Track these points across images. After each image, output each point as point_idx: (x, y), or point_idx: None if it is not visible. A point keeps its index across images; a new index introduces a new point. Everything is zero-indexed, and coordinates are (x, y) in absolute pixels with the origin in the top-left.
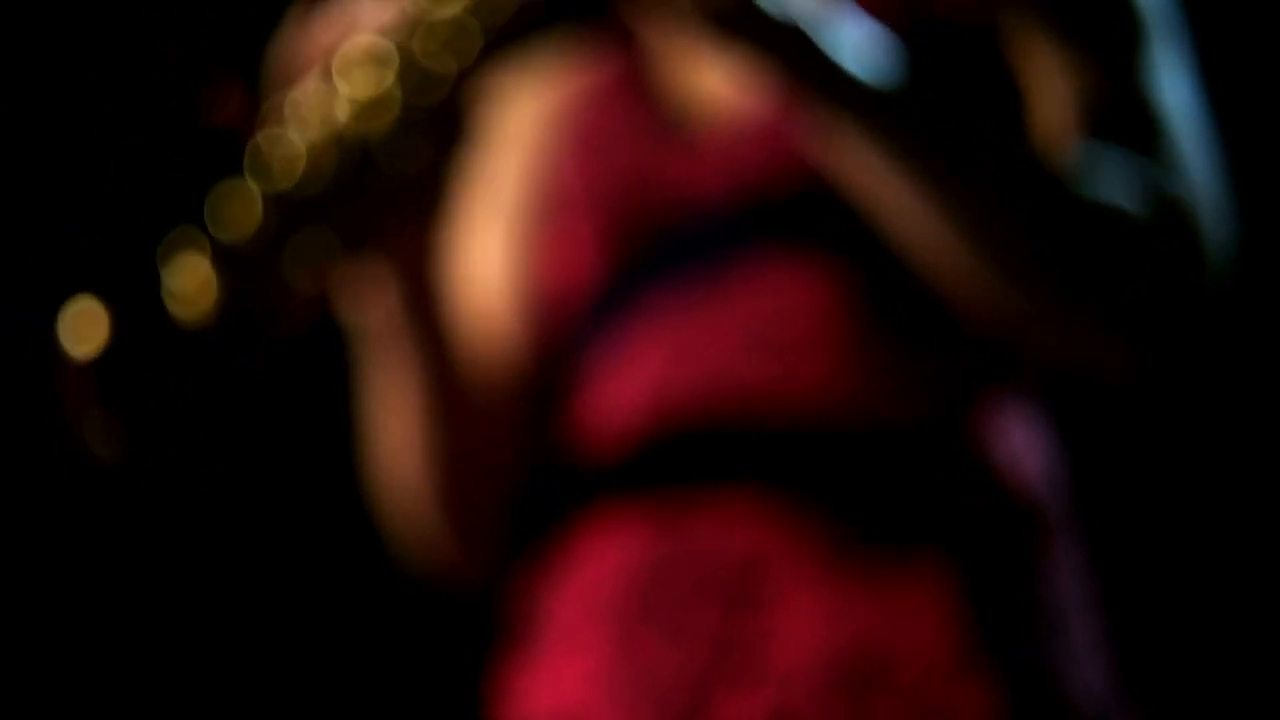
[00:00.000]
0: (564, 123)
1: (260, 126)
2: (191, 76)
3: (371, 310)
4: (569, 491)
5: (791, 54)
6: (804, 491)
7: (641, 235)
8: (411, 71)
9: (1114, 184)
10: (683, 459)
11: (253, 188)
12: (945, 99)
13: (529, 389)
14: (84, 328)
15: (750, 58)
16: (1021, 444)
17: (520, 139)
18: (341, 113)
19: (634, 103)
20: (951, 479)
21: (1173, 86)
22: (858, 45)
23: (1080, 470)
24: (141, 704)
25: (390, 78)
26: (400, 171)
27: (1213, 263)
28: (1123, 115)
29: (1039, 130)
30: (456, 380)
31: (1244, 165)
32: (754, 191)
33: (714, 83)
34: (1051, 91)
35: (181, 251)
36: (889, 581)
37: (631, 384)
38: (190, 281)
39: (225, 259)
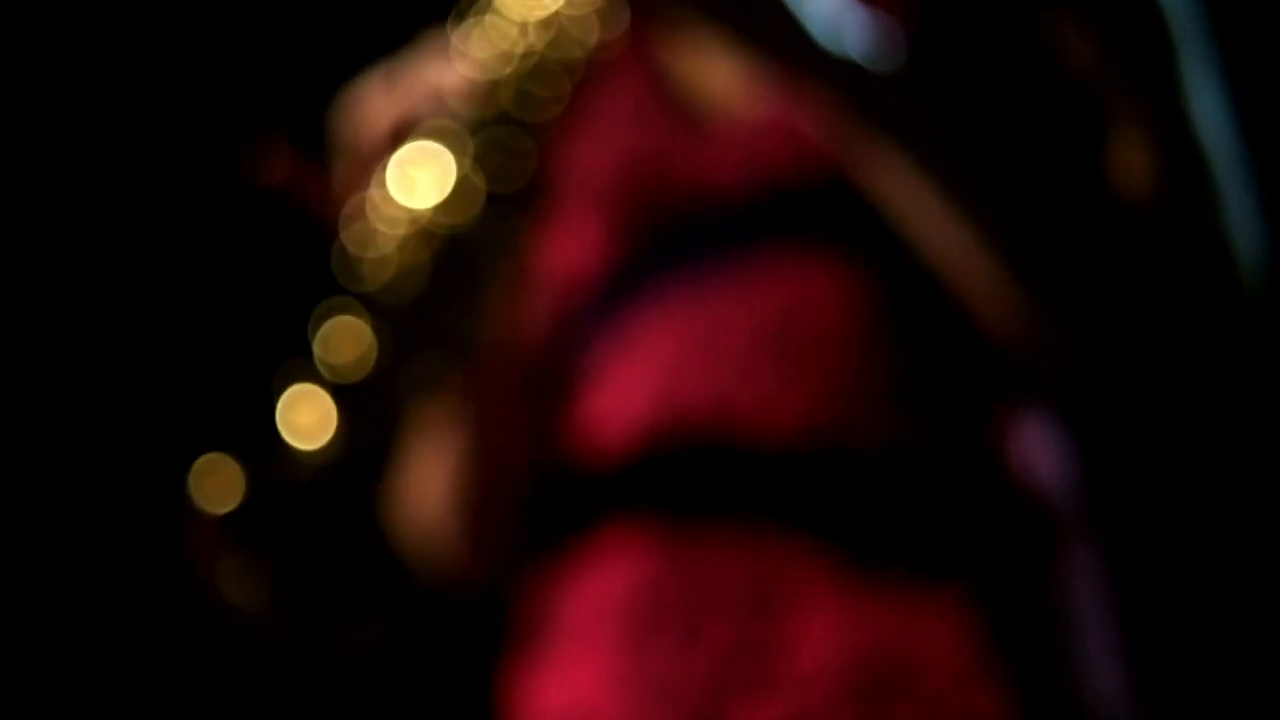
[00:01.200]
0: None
1: (341, 224)
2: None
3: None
4: (580, 489)
5: (801, 55)
6: (818, 499)
7: (654, 224)
8: (490, 155)
9: (1156, 209)
10: (695, 463)
11: (359, 316)
12: (968, 108)
13: (542, 386)
14: (215, 483)
15: (758, 57)
16: (1035, 449)
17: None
18: (424, 207)
19: (648, 88)
20: (966, 486)
21: (1207, 103)
22: (864, 39)
23: (1095, 476)
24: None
25: (468, 164)
26: (488, 259)
27: (1249, 284)
28: (1163, 138)
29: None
30: (494, 426)
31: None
32: (772, 184)
33: (731, 72)
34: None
35: (295, 384)
36: (906, 589)
37: (641, 376)
38: (308, 417)
39: (343, 393)
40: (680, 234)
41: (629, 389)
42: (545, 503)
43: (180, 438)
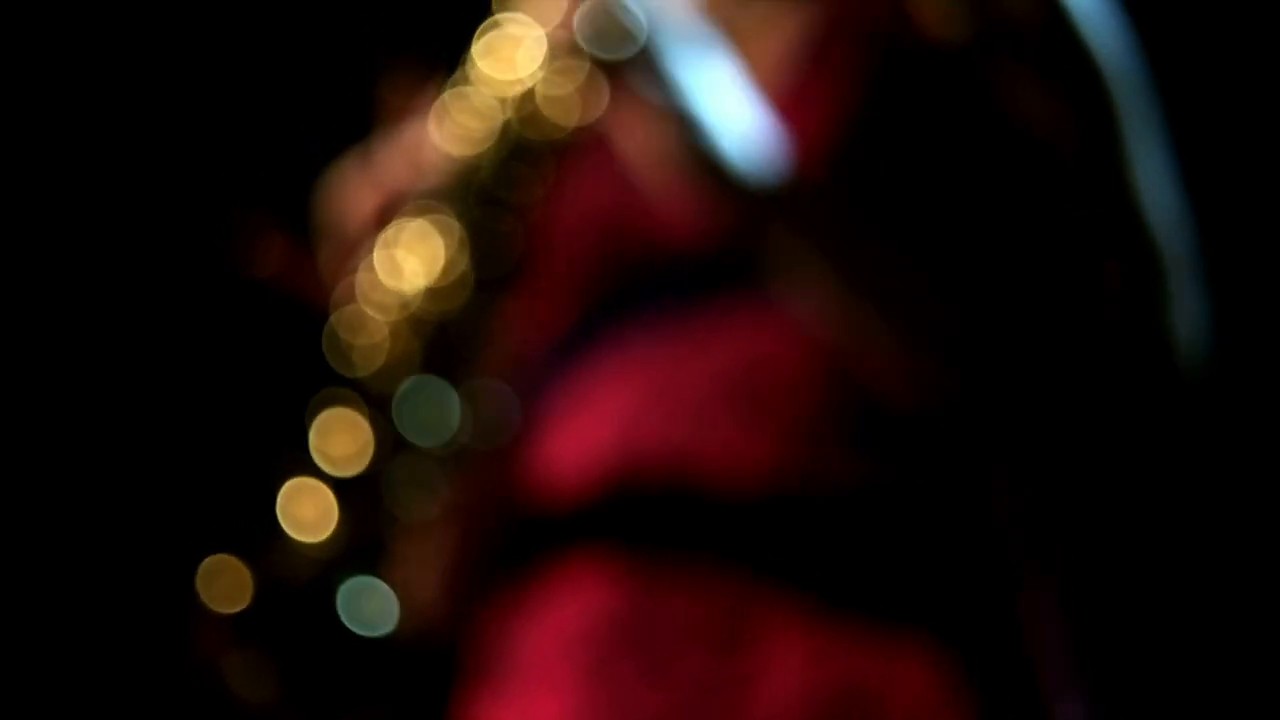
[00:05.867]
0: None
1: (331, 309)
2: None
3: None
4: (539, 530)
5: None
6: (781, 542)
7: (613, 276)
8: (477, 241)
9: (1088, 280)
10: (653, 505)
11: (355, 406)
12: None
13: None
14: (224, 584)
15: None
16: (993, 483)
17: None
18: (412, 291)
19: (610, 143)
20: (927, 526)
21: (1152, 173)
22: (777, 158)
23: (1056, 512)
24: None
25: (454, 247)
26: (475, 345)
27: (1188, 357)
28: (1100, 205)
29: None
30: (484, 510)
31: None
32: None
33: None
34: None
35: (296, 479)
36: (871, 626)
37: (598, 425)
38: (310, 511)
39: (344, 487)
40: (638, 286)
41: (585, 437)
42: (503, 542)
43: (182, 530)
